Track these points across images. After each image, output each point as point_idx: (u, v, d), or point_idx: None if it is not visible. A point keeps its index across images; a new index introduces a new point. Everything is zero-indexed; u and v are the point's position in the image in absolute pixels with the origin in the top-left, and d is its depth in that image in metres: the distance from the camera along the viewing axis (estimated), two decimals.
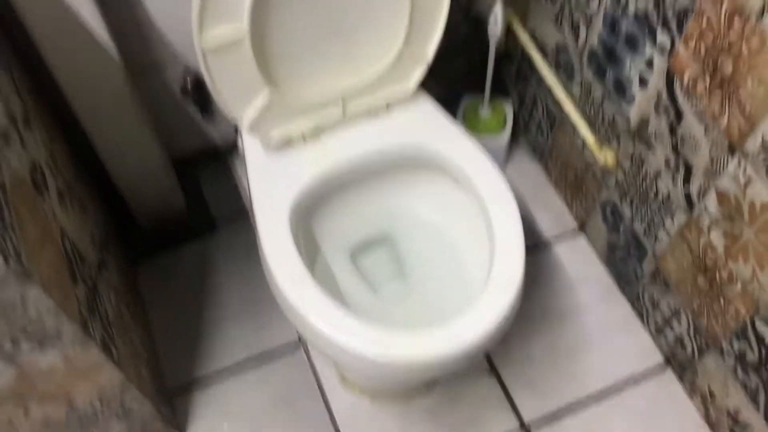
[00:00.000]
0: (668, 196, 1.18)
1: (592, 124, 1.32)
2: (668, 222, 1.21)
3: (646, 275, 1.34)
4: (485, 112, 1.51)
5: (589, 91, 1.30)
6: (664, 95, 1.10)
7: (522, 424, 1.31)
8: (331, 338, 0.98)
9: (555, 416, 1.32)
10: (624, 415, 1.33)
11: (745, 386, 1.16)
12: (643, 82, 1.14)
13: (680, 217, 1.17)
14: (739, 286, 1.09)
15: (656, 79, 1.10)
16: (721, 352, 1.19)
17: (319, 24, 1.02)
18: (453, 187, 1.18)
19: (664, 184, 1.18)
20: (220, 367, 1.37)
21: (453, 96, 1.59)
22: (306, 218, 1.18)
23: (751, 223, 1.01)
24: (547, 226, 1.54)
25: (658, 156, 1.17)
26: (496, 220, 1.07)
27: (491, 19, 1.31)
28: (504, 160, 1.59)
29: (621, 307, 1.44)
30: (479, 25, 1.50)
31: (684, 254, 1.20)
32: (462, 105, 1.54)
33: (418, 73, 1.14)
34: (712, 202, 1.08)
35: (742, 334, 1.12)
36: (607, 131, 1.29)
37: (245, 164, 1.15)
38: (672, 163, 1.14)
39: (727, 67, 0.95)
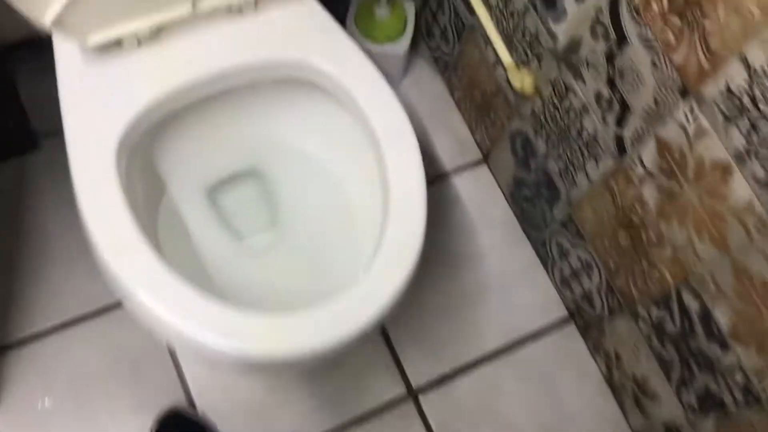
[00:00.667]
0: (595, 136, 0.99)
1: (509, 38, 1.09)
2: (590, 166, 1.02)
3: (556, 221, 1.17)
4: (382, 11, 1.24)
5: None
6: (605, 14, 0.87)
7: (409, 390, 1.14)
8: (171, 327, 0.74)
9: (446, 378, 1.16)
10: (520, 373, 1.19)
11: (659, 357, 1.03)
12: None
13: (606, 163, 0.98)
14: (669, 250, 0.92)
15: None
16: (636, 316, 1.05)
17: None
18: (339, 114, 0.93)
19: (591, 122, 0.98)
20: (43, 326, 1.10)
21: None
22: (145, 148, 0.90)
23: (696, 182, 0.83)
24: (446, 152, 1.32)
25: (588, 88, 0.96)
26: (393, 170, 0.84)
27: None
28: (401, 72, 1.34)
29: (524, 253, 1.27)
30: None
31: (605, 205, 1.02)
32: (354, 2, 1.26)
33: None
34: (649, 151, 0.89)
35: (663, 303, 0.98)
36: (526, 49, 1.06)
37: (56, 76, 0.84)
38: (604, 99, 0.93)
39: None
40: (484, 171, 1.32)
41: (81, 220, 0.79)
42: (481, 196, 1.30)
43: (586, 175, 1.04)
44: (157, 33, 0.85)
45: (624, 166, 0.95)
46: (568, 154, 1.06)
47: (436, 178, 1.30)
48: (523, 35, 1.06)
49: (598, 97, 0.94)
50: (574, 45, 0.95)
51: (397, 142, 0.85)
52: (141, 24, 0.81)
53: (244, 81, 0.89)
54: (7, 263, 1.13)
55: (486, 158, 1.32)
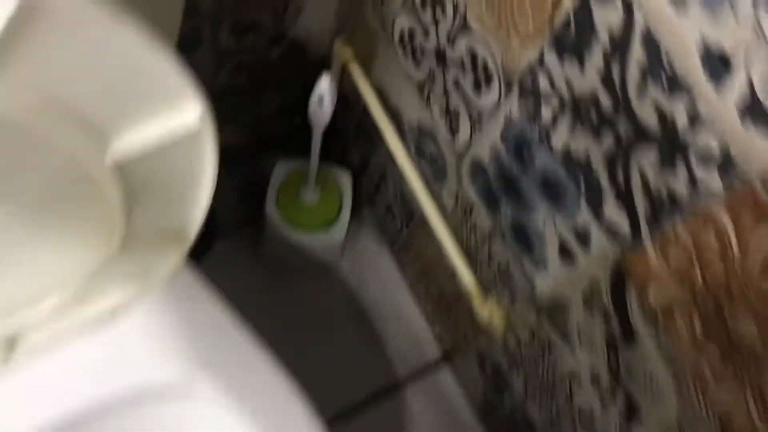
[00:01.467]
0: (591, 415, 0.74)
1: (471, 255, 0.83)
2: None
3: None
4: (310, 196, 0.97)
5: (469, 211, 0.80)
6: (605, 296, 0.62)
7: None
8: None
9: None
10: None
11: None
12: (565, 253, 0.65)
13: None
14: None
15: (593, 266, 0.62)
16: None
17: None
18: None
19: (587, 400, 0.73)
20: None
21: (259, 157, 1.04)
22: None
23: None
24: (397, 349, 1.06)
25: (582, 361, 0.71)
26: None
27: (315, 98, 0.76)
28: (339, 253, 1.08)
29: None
30: (300, 50, 0.94)
31: None
32: (274, 180, 0.99)
33: (170, 261, 0.58)
34: None
35: None
36: (495, 276, 0.81)
37: None
38: (604, 386, 0.69)
39: (745, 327, 0.49)
40: (446, 374, 1.06)
41: None
42: (443, 408, 1.04)
43: None
44: None
45: None
46: (555, 413, 0.81)
47: (388, 388, 1.04)
48: (490, 259, 0.80)
49: (596, 379, 0.70)
50: (558, 306, 0.70)
51: None
52: None
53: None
54: None
55: (448, 358, 1.07)
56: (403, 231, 1.02)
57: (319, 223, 0.98)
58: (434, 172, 0.84)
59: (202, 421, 0.64)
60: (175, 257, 0.57)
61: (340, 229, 0.99)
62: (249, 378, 0.62)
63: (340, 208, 1.00)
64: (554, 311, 0.71)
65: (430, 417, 1.03)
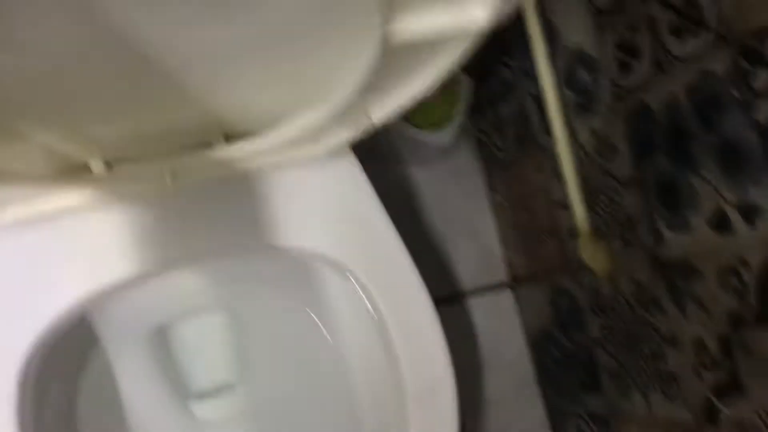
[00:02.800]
0: (674, 376, 0.75)
1: (591, 194, 0.82)
2: (655, 397, 0.79)
3: (585, 407, 0.95)
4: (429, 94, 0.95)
5: (608, 152, 0.79)
6: (751, 276, 0.62)
7: None
8: None
9: None
10: None
11: None
12: (721, 223, 0.64)
13: (680, 413, 0.76)
14: None
15: (750, 244, 0.62)
16: None
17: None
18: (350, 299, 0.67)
19: (677, 361, 0.75)
20: None
21: None
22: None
23: None
24: (466, 265, 1.07)
25: (689, 326, 0.72)
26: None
27: None
28: (439, 155, 1.06)
29: (534, 414, 1.05)
30: None
31: None
32: None
33: (344, 133, 0.56)
34: None
35: None
36: (610, 222, 0.80)
37: None
38: (708, 353, 0.70)
39: None
40: (506, 298, 1.08)
41: None
42: (497, 328, 1.06)
43: (647, 402, 0.81)
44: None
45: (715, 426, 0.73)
46: (628, 365, 0.83)
47: (447, 297, 1.05)
48: (612, 205, 0.79)
49: (700, 345, 0.70)
50: (685, 268, 0.70)
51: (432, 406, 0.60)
52: (82, 196, 0.52)
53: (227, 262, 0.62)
54: None
55: (514, 284, 1.08)
56: (509, 152, 1.00)
57: (431, 121, 0.96)
58: (579, 103, 0.81)
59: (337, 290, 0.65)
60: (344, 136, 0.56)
61: (449, 132, 0.97)
62: (388, 267, 0.62)
63: (454, 113, 0.97)
64: (677, 273, 0.71)
65: (482, 334, 1.05)
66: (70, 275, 0.54)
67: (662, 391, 0.78)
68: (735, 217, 0.63)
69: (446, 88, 0.97)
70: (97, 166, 0.49)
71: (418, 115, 0.95)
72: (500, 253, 1.08)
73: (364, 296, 0.62)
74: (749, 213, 0.61)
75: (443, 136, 0.98)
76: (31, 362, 0.53)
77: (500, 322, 1.06)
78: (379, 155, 1.03)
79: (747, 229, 0.61)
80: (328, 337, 0.76)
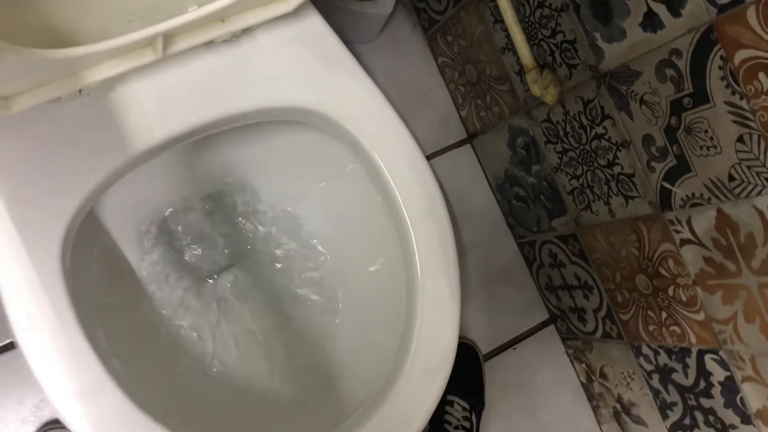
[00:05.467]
0: (631, 176, 0.85)
1: (531, 30, 0.89)
2: (616, 201, 0.89)
3: (553, 231, 1.05)
4: None
5: None
6: (684, 59, 0.70)
7: None
8: None
9: None
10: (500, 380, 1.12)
11: (657, 394, 0.98)
12: (650, 20, 0.72)
13: (639, 206, 0.86)
14: (701, 316, 0.84)
15: (679, 31, 0.70)
16: (638, 352, 0.98)
17: None
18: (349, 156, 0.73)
19: (630, 161, 0.84)
20: None
21: None
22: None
23: (762, 274, 0.73)
24: (425, 129, 1.13)
25: (636, 126, 0.80)
26: (423, 266, 0.67)
27: None
28: (380, 29, 1.11)
29: (507, 249, 1.15)
30: None
31: (627, 244, 0.91)
32: None
33: None
34: (705, 220, 0.77)
35: (678, 356, 0.91)
36: (554, 51, 0.87)
37: None
38: (656, 146, 0.79)
39: None
40: (466, 152, 1.15)
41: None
42: (461, 180, 1.14)
43: (609, 208, 0.91)
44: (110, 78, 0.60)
45: (663, 219, 0.83)
46: (588, 178, 0.92)
47: None
48: (553, 35, 0.86)
49: (648, 141, 0.79)
50: (626, 73, 0.78)
51: (431, 247, 0.67)
52: (86, 79, 0.56)
53: (228, 127, 0.66)
54: None
55: (471, 138, 1.15)
56: (447, 12, 1.06)
57: None
58: None
59: (321, 146, 0.71)
60: None
61: (388, 2, 1.01)
62: (366, 109, 0.68)
63: None
64: (619, 80, 0.79)
65: (450, 190, 1.13)
66: (84, 155, 0.58)
67: (621, 194, 0.88)
68: (662, 12, 0.70)
69: None
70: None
71: None
72: (455, 112, 1.15)
73: (353, 145, 0.68)
74: (672, 3, 0.69)
75: (383, 6, 1.02)
76: (74, 223, 0.58)
77: (465, 175, 1.14)
78: None
79: (673, 19, 0.69)
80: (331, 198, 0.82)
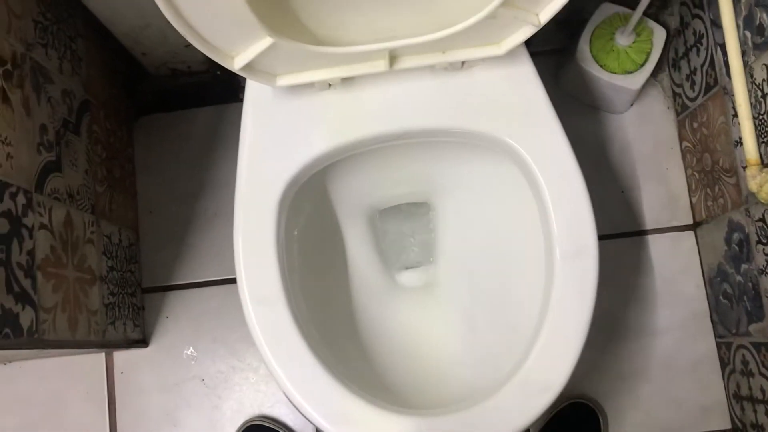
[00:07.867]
0: None
1: (764, 127, 0.89)
2: None
3: (749, 336, 1.00)
4: (623, 40, 1.06)
5: None
6: None
7: None
8: (287, 392, 0.74)
9: None
10: None
11: None
12: None
13: None
14: None
15: None
16: None
17: None
18: (520, 184, 0.83)
19: None
20: (207, 277, 1.17)
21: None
22: (315, 178, 0.87)
23: None
24: (652, 206, 1.16)
25: None
26: (560, 287, 0.74)
27: None
28: (630, 102, 1.17)
29: (704, 346, 1.12)
30: None
31: None
32: (595, 18, 1.09)
33: (518, 37, 0.73)
34: None
35: None
36: None
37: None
38: None
39: None
40: (688, 237, 1.15)
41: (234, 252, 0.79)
42: (676, 263, 1.14)
43: None
44: (350, 80, 0.79)
45: None
46: None
47: (632, 233, 1.15)
48: None
49: None
50: None
51: (573, 275, 0.74)
52: (332, 74, 0.75)
53: (429, 139, 0.81)
54: (190, 207, 1.19)
55: (696, 226, 1.15)
56: (698, 99, 1.08)
57: (624, 67, 1.08)
58: (760, 43, 0.89)
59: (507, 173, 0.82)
60: (521, 35, 0.72)
61: (640, 77, 1.08)
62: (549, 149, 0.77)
63: (647, 60, 1.08)
64: None
65: (659, 268, 1.14)
66: (327, 130, 0.77)
67: None
68: None
69: (638, 37, 1.07)
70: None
71: (610, 59, 1.08)
72: (686, 197, 1.16)
73: (528, 175, 0.78)
74: None
75: (634, 81, 1.09)
76: (293, 182, 0.77)
77: (681, 259, 1.14)
78: (575, 98, 1.17)
79: None
80: (507, 219, 0.92)
